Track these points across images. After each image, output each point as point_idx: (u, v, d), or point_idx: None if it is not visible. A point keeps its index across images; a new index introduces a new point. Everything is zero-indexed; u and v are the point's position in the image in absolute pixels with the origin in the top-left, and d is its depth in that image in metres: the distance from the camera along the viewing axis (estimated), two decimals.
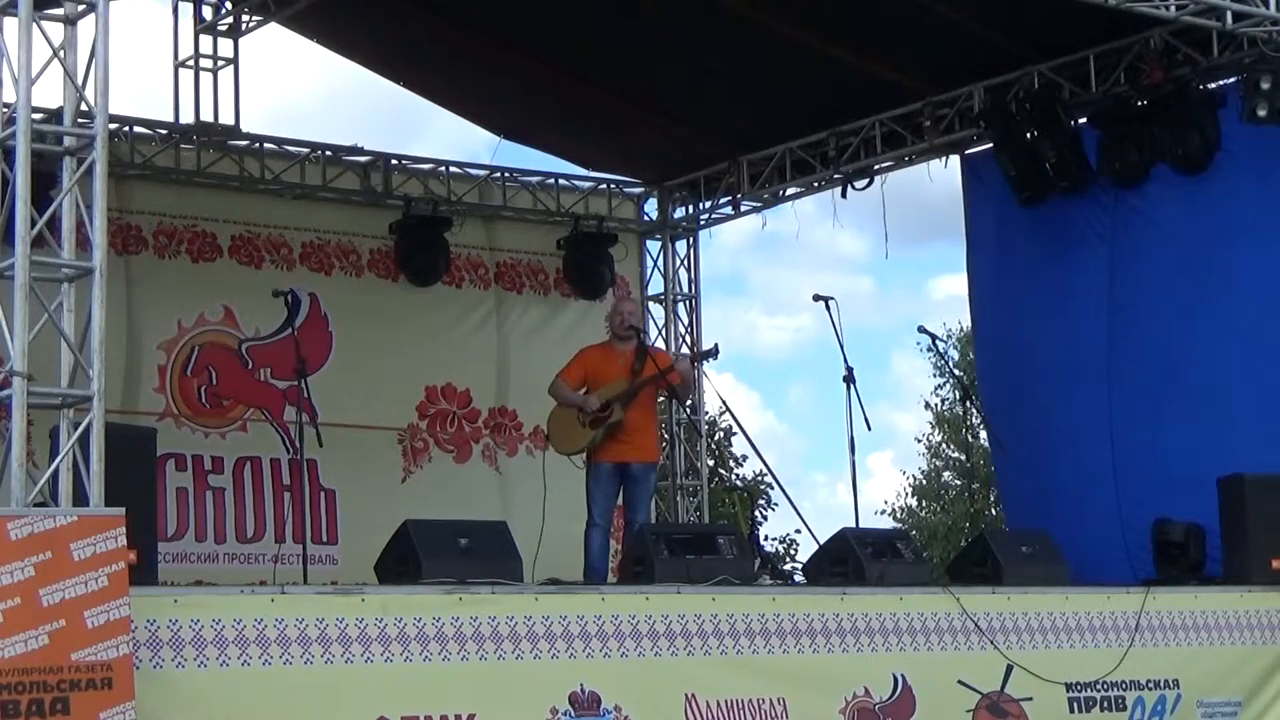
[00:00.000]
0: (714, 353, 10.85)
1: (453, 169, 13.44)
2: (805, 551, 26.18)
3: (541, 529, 10.08)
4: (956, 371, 26.82)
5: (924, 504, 35.42)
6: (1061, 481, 11.81)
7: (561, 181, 13.99)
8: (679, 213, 14.59)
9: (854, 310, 44.38)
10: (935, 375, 35.02)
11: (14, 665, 6.06)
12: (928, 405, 35.48)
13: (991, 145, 12.14)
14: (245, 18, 11.39)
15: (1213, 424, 11.09)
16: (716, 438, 26.91)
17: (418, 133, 44.21)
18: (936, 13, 11.30)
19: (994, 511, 30.15)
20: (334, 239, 12.82)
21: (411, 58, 12.75)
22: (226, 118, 11.52)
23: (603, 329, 13.08)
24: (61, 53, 6.82)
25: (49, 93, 6.90)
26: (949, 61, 12.11)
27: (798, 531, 27.18)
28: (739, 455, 29.41)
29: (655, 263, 14.57)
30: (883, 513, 34.50)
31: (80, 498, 6.46)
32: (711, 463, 26.72)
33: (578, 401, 10.13)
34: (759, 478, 26.74)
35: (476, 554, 7.84)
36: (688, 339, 14.46)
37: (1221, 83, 11.18)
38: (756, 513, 25.26)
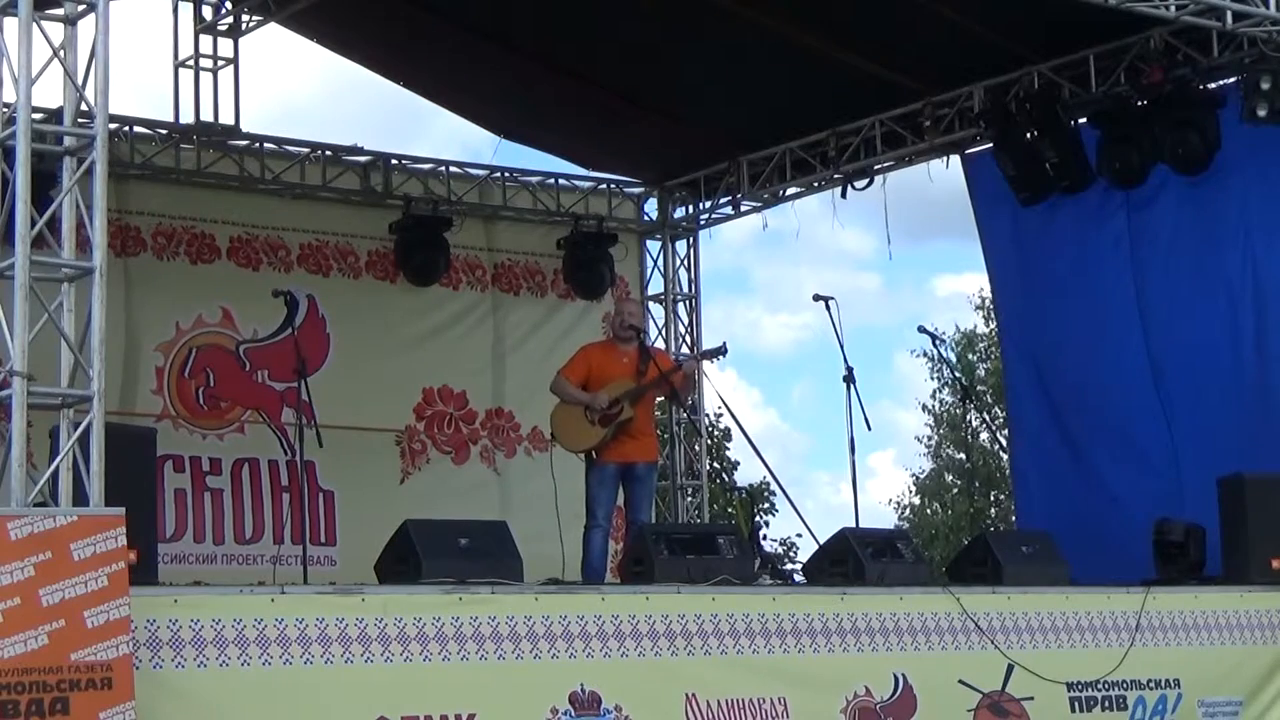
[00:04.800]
0: (722, 350, 10.44)
1: (453, 169, 13.44)
2: (805, 553, 26.16)
3: (559, 526, 10.14)
4: (956, 373, 26.80)
5: (926, 502, 35.47)
6: (1106, 480, 11.80)
7: (561, 181, 13.99)
8: (679, 213, 14.59)
9: (859, 307, 44.44)
10: (931, 379, 35.09)
11: (13, 665, 6.05)
12: (925, 408, 35.52)
13: (991, 145, 12.14)
14: (245, 18, 11.41)
15: (1212, 424, 11.11)
16: (715, 436, 26.88)
17: (418, 133, 44.28)
18: (936, 13, 11.30)
19: (994, 512, 30.22)
20: (332, 240, 12.81)
21: (411, 58, 12.75)
22: (226, 118, 11.57)
23: (599, 330, 13.11)
24: (61, 53, 6.81)
25: (49, 93, 6.91)
26: (949, 61, 12.12)
27: (799, 535, 27.24)
28: (735, 459, 29.42)
29: (655, 263, 14.57)
30: (887, 503, 34.63)
31: (80, 498, 6.45)
32: (717, 465, 26.71)
33: (584, 399, 10.05)
34: (763, 481, 26.76)
35: (476, 554, 7.83)
36: (688, 339, 14.46)
37: (1221, 83, 11.18)
38: (759, 516, 25.24)
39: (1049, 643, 8.95)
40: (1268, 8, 10.04)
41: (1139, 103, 11.36)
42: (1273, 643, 9.67)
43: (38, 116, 6.70)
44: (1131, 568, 10.31)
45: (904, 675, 8.48)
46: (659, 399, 11.05)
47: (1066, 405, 12.13)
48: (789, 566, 11.01)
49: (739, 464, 29.12)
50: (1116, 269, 11.80)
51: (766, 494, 25.70)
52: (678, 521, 13.88)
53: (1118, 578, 9.84)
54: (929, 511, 34.93)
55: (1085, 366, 11.99)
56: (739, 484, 27.40)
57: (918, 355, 34.45)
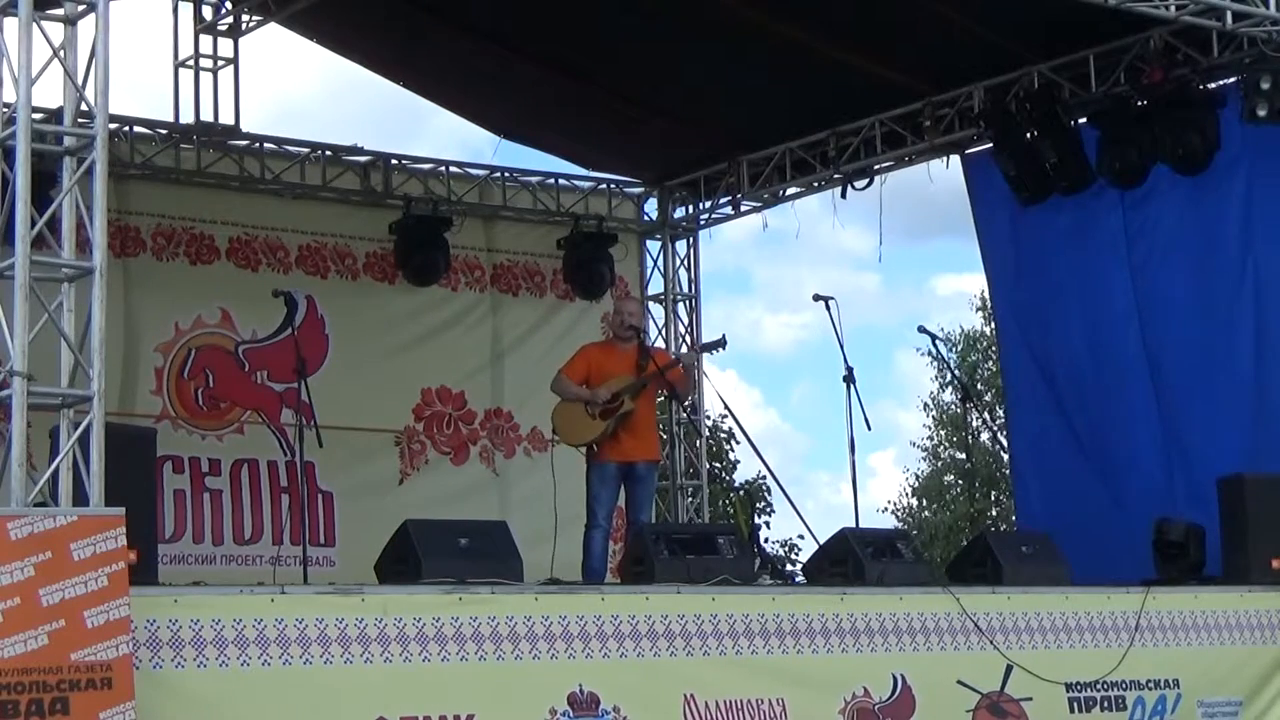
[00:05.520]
0: (721, 343, 10.35)
1: (453, 169, 13.43)
2: (806, 555, 26.09)
3: (555, 524, 10.15)
4: (956, 373, 26.77)
5: (925, 504, 35.47)
6: (1106, 479, 11.80)
7: (561, 181, 13.98)
8: (679, 213, 14.58)
9: (859, 307, 44.46)
10: (936, 379, 35.11)
11: (13, 665, 6.05)
12: (926, 406, 35.54)
13: (991, 145, 12.14)
14: (245, 18, 11.40)
15: (1212, 424, 11.12)
16: (718, 437, 26.84)
17: (418, 133, 44.30)
18: (936, 13, 11.29)
19: (994, 512, 30.22)
20: (331, 242, 12.80)
21: (411, 58, 12.75)
22: (226, 118, 11.56)
23: (599, 330, 13.11)
24: (61, 53, 6.82)
25: (49, 93, 6.91)
26: (949, 61, 12.11)
27: (801, 537, 27.20)
28: (734, 459, 29.39)
29: (655, 263, 14.57)
30: (883, 510, 34.62)
31: (80, 498, 6.45)
32: (717, 465, 26.64)
33: (584, 395, 10.04)
34: (759, 479, 26.75)
35: (476, 554, 7.84)
36: (688, 339, 14.45)
37: (1221, 83, 11.18)
38: (758, 516, 25.20)
39: (1048, 643, 8.95)
40: (1268, 8, 10.04)
41: (1139, 103, 11.35)
42: (1273, 643, 9.67)
43: (38, 116, 6.70)
44: (1131, 568, 10.32)
45: (903, 676, 8.47)
46: (660, 397, 11.05)
47: (1066, 405, 12.13)
48: (789, 568, 11.02)
49: (739, 463, 29.14)
50: (1116, 269, 11.80)
51: (764, 493, 25.69)
52: (678, 521, 13.87)
53: (1118, 578, 9.84)
54: (925, 515, 34.94)
55: (1084, 366, 11.99)
56: (736, 484, 27.40)
57: (923, 354, 34.50)
